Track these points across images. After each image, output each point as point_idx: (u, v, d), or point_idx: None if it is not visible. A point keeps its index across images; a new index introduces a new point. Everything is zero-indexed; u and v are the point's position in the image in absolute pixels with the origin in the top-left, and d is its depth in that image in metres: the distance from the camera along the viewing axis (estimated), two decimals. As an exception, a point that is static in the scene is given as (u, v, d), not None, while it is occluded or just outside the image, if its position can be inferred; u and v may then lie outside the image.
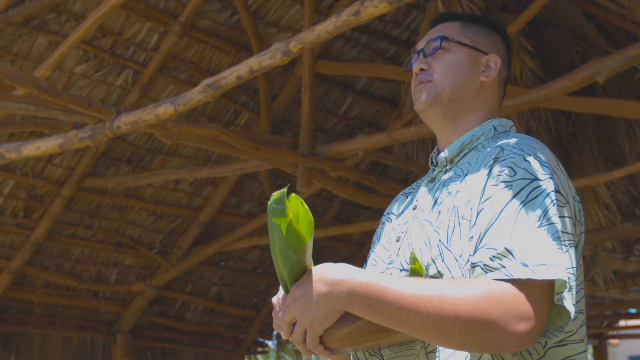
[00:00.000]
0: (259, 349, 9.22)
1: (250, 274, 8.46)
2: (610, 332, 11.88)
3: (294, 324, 1.67)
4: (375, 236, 2.10)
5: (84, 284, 7.44)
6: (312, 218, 1.63)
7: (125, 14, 5.98)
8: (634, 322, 11.55)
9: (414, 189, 2.07)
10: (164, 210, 7.36)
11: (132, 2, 5.83)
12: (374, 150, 5.66)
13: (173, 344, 8.34)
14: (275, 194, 1.60)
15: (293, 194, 1.63)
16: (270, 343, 9.17)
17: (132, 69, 6.34)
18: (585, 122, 6.50)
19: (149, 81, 6.36)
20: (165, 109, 4.19)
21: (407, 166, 6.56)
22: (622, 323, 11.46)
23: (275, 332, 9.00)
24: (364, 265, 2.02)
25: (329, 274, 1.62)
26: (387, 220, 2.04)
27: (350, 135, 7.77)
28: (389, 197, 6.23)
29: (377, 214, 8.36)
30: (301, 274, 1.66)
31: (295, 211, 1.61)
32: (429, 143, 6.52)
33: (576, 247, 1.71)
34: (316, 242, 8.22)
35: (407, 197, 2.05)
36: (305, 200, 7.41)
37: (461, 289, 1.57)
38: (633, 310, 10.75)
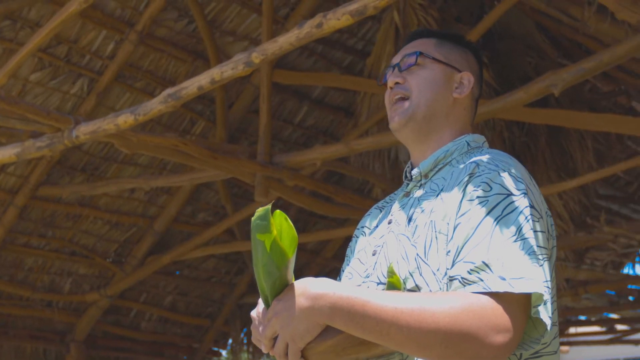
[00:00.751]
0: (214, 358, 9.18)
1: (205, 283, 8.43)
2: (561, 339, 12.03)
3: (275, 338, 1.69)
4: (349, 250, 2.13)
5: (37, 294, 7.35)
6: (295, 234, 1.64)
7: (81, 21, 5.94)
8: (583, 329, 11.71)
9: (387, 202, 2.10)
10: (119, 219, 7.31)
11: (88, 10, 5.78)
12: (331, 159, 5.69)
13: (127, 354, 8.28)
14: (260, 210, 1.61)
15: (278, 210, 1.64)
16: (224, 352, 9.12)
17: (88, 77, 6.29)
18: (539, 133, 6.59)
19: (104, 89, 6.31)
20: (125, 119, 4.17)
21: (363, 176, 6.60)
22: (572, 330, 11.61)
23: (230, 341, 8.97)
24: (339, 278, 2.04)
25: (311, 288, 1.64)
26: (362, 234, 2.07)
27: (305, 145, 7.79)
28: (346, 207, 6.30)
29: (332, 223, 8.39)
30: (282, 288, 1.67)
31: (279, 227, 1.62)
32: (385, 153, 6.57)
33: (549, 260, 1.76)
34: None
35: (380, 211, 2.08)
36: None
37: (441, 302, 1.60)
38: (583, 318, 10.91)
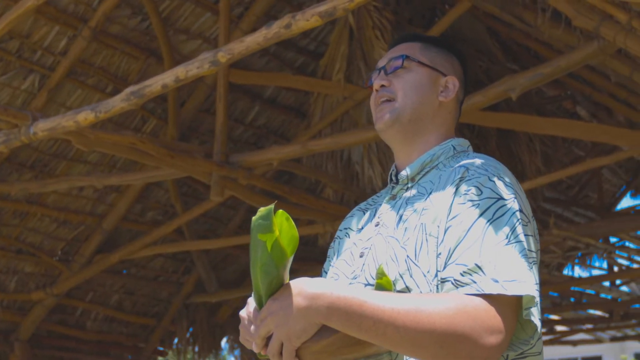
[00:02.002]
0: (159, 358, 9.12)
1: (152, 283, 8.36)
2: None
3: (268, 338, 1.69)
4: (330, 251, 2.14)
5: (-18, 292, 7.24)
6: (296, 233, 1.65)
7: (34, 16, 5.85)
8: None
9: (370, 205, 2.12)
10: (67, 217, 7.21)
11: (41, 5, 5.69)
12: (286, 160, 5.70)
13: (72, 353, 8.16)
14: (262, 210, 1.62)
15: (280, 210, 1.65)
16: (170, 352, 9.06)
17: (39, 73, 6.20)
18: (489, 136, 6.69)
19: (56, 86, 6.23)
20: (85, 116, 4.13)
21: (316, 176, 6.62)
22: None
23: (176, 341, 8.91)
24: (321, 279, 2.06)
25: (308, 288, 1.64)
26: (345, 236, 2.09)
27: (256, 144, 7.80)
28: (299, 207, 6.32)
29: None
30: (278, 288, 1.68)
31: (279, 226, 1.63)
32: (338, 154, 6.60)
33: (537, 263, 1.80)
34: (219, 250, 8.22)
35: (364, 213, 2.09)
36: (210, 209, 7.44)
37: (436, 303, 1.63)
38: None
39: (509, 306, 1.66)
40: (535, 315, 1.68)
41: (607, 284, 9.67)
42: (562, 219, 9.08)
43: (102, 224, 7.41)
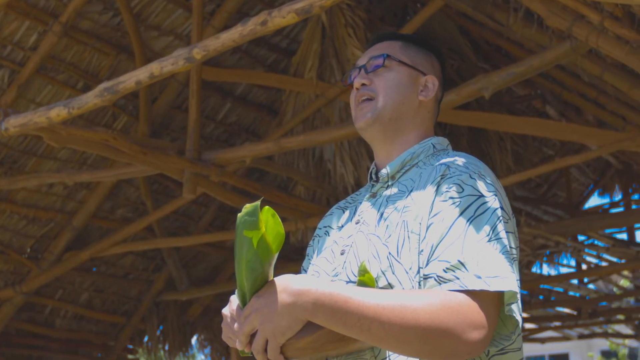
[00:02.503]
0: (130, 356, 9.07)
1: (122, 280, 8.32)
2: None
3: (252, 335, 1.69)
4: (310, 249, 2.15)
5: (-51, 290, 7.16)
6: (282, 229, 1.65)
7: (4, 11, 5.78)
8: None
9: (349, 203, 2.13)
10: (37, 214, 7.15)
11: (11, 0, 5.66)
12: (259, 157, 5.70)
13: (41, 352, 8.09)
14: (248, 207, 1.61)
15: (266, 206, 1.65)
16: (140, 351, 9.02)
17: (9, 69, 6.14)
18: (460, 134, 6.72)
19: (26, 81, 6.17)
20: (58, 112, 4.10)
21: (287, 174, 6.62)
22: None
23: (146, 339, 8.87)
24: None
25: (293, 285, 1.65)
26: (325, 234, 2.09)
27: (227, 142, 7.78)
28: (271, 204, 6.28)
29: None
30: (263, 285, 1.68)
31: (265, 223, 1.63)
32: (310, 152, 6.61)
33: (517, 260, 1.82)
34: (190, 248, 8.19)
35: (343, 211, 2.10)
36: (180, 206, 7.42)
37: (420, 299, 1.64)
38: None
39: (492, 302, 1.67)
40: (517, 311, 1.70)
41: (575, 281, 9.75)
42: (532, 217, 9.14)
43: (72, 221, 7.35)
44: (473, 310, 1.64)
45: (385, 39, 2.16)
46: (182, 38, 6.68)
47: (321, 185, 6.50)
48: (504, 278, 1.67)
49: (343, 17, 6.30)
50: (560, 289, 10.03)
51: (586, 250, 8.18)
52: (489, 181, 1.84)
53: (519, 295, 1.71)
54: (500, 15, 5.41)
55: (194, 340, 9.31)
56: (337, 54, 6.32)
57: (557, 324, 11.36)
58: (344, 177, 6.30)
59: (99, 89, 3.97)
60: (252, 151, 5.39)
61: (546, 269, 10.77)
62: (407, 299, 1.64)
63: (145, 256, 8.36)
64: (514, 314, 1.69)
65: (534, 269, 10.52)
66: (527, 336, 11.85)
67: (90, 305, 8.34)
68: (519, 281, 1.74)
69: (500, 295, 1.69)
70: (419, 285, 1.74)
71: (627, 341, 15.41)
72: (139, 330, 8.88)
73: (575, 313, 10.41)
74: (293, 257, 7.45)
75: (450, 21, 6.86)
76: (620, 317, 11.19)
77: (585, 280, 10.04)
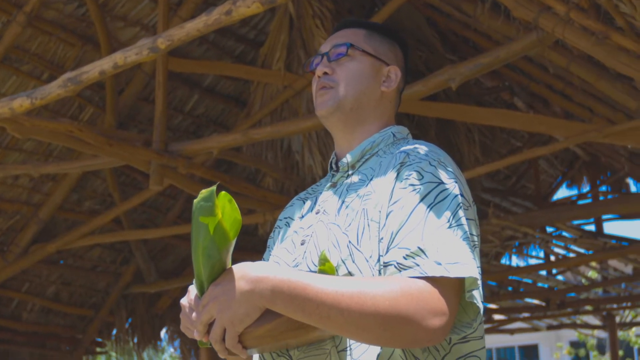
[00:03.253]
0: (98, 349, 9.02)
1: (89, 273, 8.27)
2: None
3: (210, 324, 1.67)
4: (270, 240, 2.13)
5: None
6: (239, 216, 1.63)
7: (-33, 1, 5.73)
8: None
9: (310, 194, 2.12)
10: (2, 206, 7.08)
11: (-26, -10, 5.60)
12: (227, 148, 5.67)
13: (8, 345, 8.04)
14: (204, 192, 1.59)
15: (223, 192, 1.63)
16: (108, 344, 8.97)
17: (-27, 59, 6.09)
18: (428, 125, 6.73)
19: (-10, 72, 6.11)
20: (21, 103, 4.05)
21: (256, 165, 6.59)
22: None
23: (114, 332, 8.82)
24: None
25: (251, 272, 1.63)
26: (286, 225, 2.07)
27: (195, 133, 7.74)
28: (239, 196, 6.28)
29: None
30: (220, 273, 1.66)
31: (222, 209, 1.61)
32: (278, 143, 6.58)
33: (478, 248, 1.81)
34: (158, 240, 8.14)
35: (304, 202, 2.09)
36: (148, 198, 7.37)
37: (380, 286, 1.63)
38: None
39: (452, 288, 1.66)
40: (478, 298, 1.69)
41: (544, 273, 9.81)
42: (500, 208, 9.19)
43: (38, 213, 7.29)
44: (433, 297, 1.63)
45: (349, 26, 2.14)
46: (149, 29, 6.63)
47: (289, 176, 6.48)
48: (464, 264, 1.66)
49: (311, 8, 6.28)
50: (529, 280, 10.09)
51: (554, 241, 8.22)
52: (449, 168, 1.83)
53: (479, 282, 1.70)
54: (467, 7, 5.41)
55: (163, 332, 9.28)
56: (304, 45, 6.30)
57: (526, 315, 11.43)
58: (312, 168, 6.28)
59: (62, 79, 3.92)
60: (219, 142, 5.36)
61: (515, 260, 10.81)
62: (366, 285, 1.62)
63: (113, 248, 8.31)
64: (475, 301, 1.68)
65: (502, 261, 10.57)
66: (497, 327, 11.93)
67: (58, 298, 8.28)
68: (479, 268, 1.73)
69: (460, 281, 1.68)
70: (379, 273, 1.73)
71: (596, 332, 15.54)
72: (108, 323, 8.84)
73: (544, 304, 10.48)
74: (261, 249, 7.43)
75: (417, 12, 6.86)
76: (589, 308, 11.27)
77: (554, 271, 10.11)
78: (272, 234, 2.14)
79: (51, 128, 4.73)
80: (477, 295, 1.69)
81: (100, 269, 8.38)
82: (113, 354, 9.06)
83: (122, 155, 5.19)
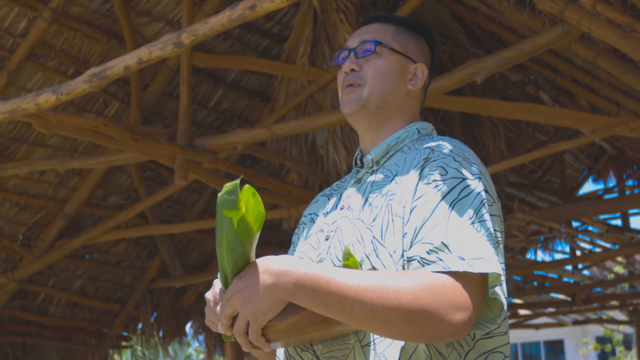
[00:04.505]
0: (123, 343, 9.07)
1: (115, 267, 8.31)
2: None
3: (234, 318, 1.67)
4: (295, 237, 2.13)
5: (-59, 278, 7.14)
6: (263, 209, 1.63)
7: (-7, -2, 5.77)
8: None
9: (334, 190, 2.12)
10: (28, 201, 7.13)
11: (0, -14, 5.63)
12: (251, 143, 5.67)
13: (34, 339, 8.10)
14: (227, 186, 1.59)
15: (246, 185, 1.63)
16: (134, 337, 9.02)
17: (-1, 55, 6.13)
18: (453, 120, 6.70)
19: (16, 68, 6.13)
20: (46, 98, 4.07)
21: (280, 160, 6.59)
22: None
23: (140, 326, 8.87)
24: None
25: (274, 266, 1.63)
26: (310, 221, 2.07)
27: (220, 128, 7.76)
28: (264, 191, 6.29)
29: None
30: (244, 266, 1.66)
31: (246, 202, 1.61)
32: (303, 138, 6.58)
33: (502, 243, 1.80)
34: (183, 235, 8.17)
35: (328, 199, 2.09)
36: (173, 193, 7.39)
37: (403, 280, 1.62)
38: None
39: (475, 283, 1.66)
40: (501, 294, 1.68)
41: (569, 267, 9.76)
42: (525, 203, 9.14)
43: (64, 208, 7.33)
44: (456, 292, 1.62)
45: (377, 20, 2.12)
46: (173, 24, 6.65)
47: (314, 171, 6.48)
48: (488, 260, 1.65)
49: (335, 2, 6.27)
50: (554, 275, 10.04)
51: (580, 236, 8.18)
52: (473, 164, 1.82)
53: (503, 278, 1.69)
54: (492, 0, 5.38)
55: (188, 327, 9.31)
56: (329, 39, 6.29)
57: (552, 310, 11.37)
58: (336, 163, 6.28)
59: (87, 75, 3.94)
60: (243, 137, 5.36)
61: (540, 255, 10.77)
62: (389, 280, 1.62)
63: (139, 243, 8.35)
64: (499, 297, 1.67)
65: (528, 255, 10.54)
66: (522, 322, 11.88)
67: (84, 292, 8.34)
68: (503, 264, 1.72)
69: (484, 277, 1.67)
70: (403, 268, 1.73)
71: (622, 327, 15.43)
72: (133, 318, 8.88)
73: (569, 299, 10.42)
74: (286, 244, 7.43)
75: (442, 6, 6.83)
76: (615, 303, 11.20)
77: (580, 266, 10.05)
78: (296, 230, 2.14)
79: (77, 123, 4.76)
80: (501, 291, 1.68)
81: (125, 264, 8.42)
82: (139, 348, 9.09)
83: (147, 150, 5.20)
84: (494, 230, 1.74)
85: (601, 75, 5.50)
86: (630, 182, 10.02)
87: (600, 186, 10.45)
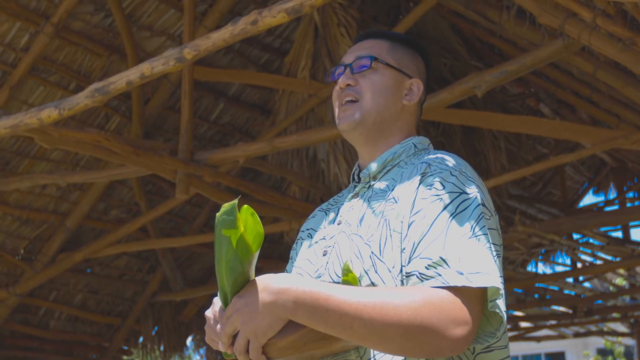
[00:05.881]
0: (124, 357, 9.06)
1: (116, 281, 8.31)
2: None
3: (234, 336, 1.68)
4: (293, 252, 2.13)
5: (-56, 292, 7.14)
6: (261, 229, 1.63)
7: (-5, 12, 5.79)
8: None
9: (332, 205, 2.12)
10: (30, 215, 7.13)
11: (2, 1, 5.65)
12: (252, 157, 5.68)
13: (36, 353, 8.09)
14: (226, 206, 1.60)
15: (245, 205, 1.64)
16: (135, 352, 9.01)
17: (1, 70, 6.14)
18: (454, 133, 6.71)
19: (18, 82, 6.15)
20: (49, 113, 4.08)
21: (281, 174, 6.60)
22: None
23: (141, 340, 8.86)
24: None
25: (273, 284, 1.63)
26: (308, 237, 2.08)
27: (221, 142, 7.77)
28: (265, 204, 6.29)
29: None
30: (243, 285, 1.66)
31: (244, 222, 1.62)
32: (304, 151, 6.59)
33: (500, 257, 1.81)
34: (184, 248, 8.17)
35: (326, 214, 2.10)
36: (174, 207, 7.40)
37: (402, 296, 1.63)
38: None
39: (475, 298, 1.66)
40: (501, 307, 1.68)
41: (570, 280, 9.75)
42: (526, 215, 9.15)
43: (66, 222, 7.34)
44: (456, 307, 1.63)
45: (372, 36, 2.14)
46: (175, 38, 6.67)
47: (315, 185, 6.49)
48: (487, 274, 1.66)
49: (335, 16, 6.29)
50: (555, 288, 10.03)
51: (581, 248, 8.17)
52: (470, 178, 1.83)
53: (502, 292, 1.70)
54: (492, 14, 5.40)
55: (189, 340, 9.30)
56: (329, 53, 6.30)
57: (553, 322, 11.36)
58: (337, 177, 6.28)
59: (89, 90, 3.95)
60: (245, 151, 5.37)
61: (541, 268, 10.77)
62: (388, 296, 1.63)
63: (140, 257, 8.35)
64: (498, 310, 1.67)
65: (529, 268, 10.52)
66: (523, 335, 11.85)
67: (85, 306, 8.33)
68: (502, 277, 1.73)
69: (483, 291, 1.68)
70: (402, 283, 1.73)
71: (623, 339, 15.42)
72: (134, 331, 8.87)
73: (570, 311, 10.41)
74: (287, 258, 7.42)
75: (442, 20, 6.85)
76: (616, 315, 11.19)
77: (581, 278, 10.05)
78: (294, 246, 2.15)
79: (79, 138, 4.77)
80: (500, 304, 1.68)
81: (127, 277, 8.42)
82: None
83: (148, 164, 5.21)
84: (493, 243, 1.74)
85: (602, 87, 5.51)
86: (630, 194, 10.01)
87: (601, 198, 10.45)
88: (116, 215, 7.76)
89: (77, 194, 7.28)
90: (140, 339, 8.90)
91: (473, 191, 1.79)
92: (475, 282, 1.64)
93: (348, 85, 2.04)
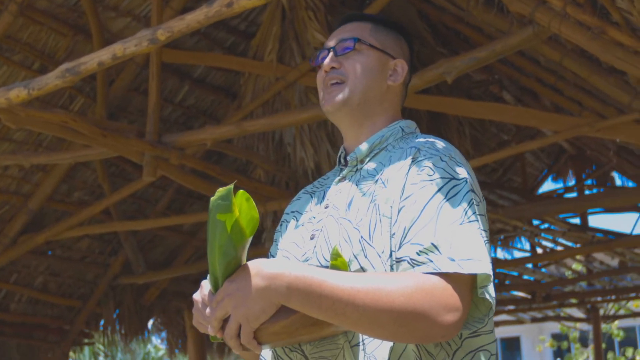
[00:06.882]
0: (85, 340, 8.99)
1: (78, 264, 8.23)
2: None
3: (225, 320, 1.67)
4: (277, 234, 2.13)
5: None
6: (256, 214, 1.63)
7: (-42, -10, 5.69)
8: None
9: (317, 187, 2.12)
10: (-9, 196, 7.05)
11: (-34, -21, 5.56)
12: (220, 140, 5.66)
13: (-5, 336, 8.03)
14: (221, 190, 1.60)
15: (240, 190, 1.63)
16: (96, 335, 8.94)
17: (-37, 49, 6.05)
18: (420, 119, 6.73)
19: (-20, 62, 6.07)
20: (17, 93, 4.03)
21: (247, 157, 6.59)
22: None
23: (102, 323, 8.80)
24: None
25: (266, 268, 1.63)
26: (293, 219, 2.07)
27: (185, 124, 7.73)
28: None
29: (208, 204, 8.33)
30: (235, 269, 1.66)
31: (239, 207, 1.61)
32: (270, 135, 6.58)
33: (489, 243, 1.82)
34: (147, 231, 8.10)
35: (311, 196, 2.09)
36: (138, 189, 7.34)
37: (395, 282, 1.64)
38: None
39: (465, 284, 1.68)
40: (490, 294, 1.70)
41: (529, 265, 9.87)
42: (488, 202, 9.21)
43: (28, 203, 7.25)
44: (447, 293, 1.64)
45: (354, 19, 2.14)
46: (140, 19, 6.60)
47: (281, 168, 6.48)
48: (478, 260, 1.68)
49: (304, 0, 6.27)
50: (514, 273, 10.14)
51: (543, 234, 8.27)
52: (460, 164, 1.84)
53: (492, 278, 1.72)
54: (460, 0, 5.42)
55: (150, 324, 9.26)
56: (297, 36, 6.29)
57: (511, 307, 11.49)
58: (303, 161, 6.29)
59: (60, 70, 3.91)
60: (213, 134, 5.35)
61: (500, 253, 10.88)
62: (381, 282, 1.63)
63: (102, 239, 8.29)
64: (488, 296, 1.70)
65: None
66: (481, 320, 11.94)
67: (46, 289, 8.25)
68: (491, 263, 1.75)
69: (473, 277, 1.70)
70: (392, 268, 1.74)
71: (578, 324, 15.64)
72: (95, 314, 8.81)
73: (529, 297, 10.53)
74: (252, 241, 7.41)
75: (409, 5, 6.86)
76: (573, 300, 11.34)
77: (540, 264, 10.17)
78: (278, 227, 2.14)
79: (46, 118, 4.72)
80: (490, 291, 1.71)
81: (88, 260, 8.35)
82: (100, 345, 9.02)
83: (115, 146, 5.17)
84: (482, 229, 1.76)
85: (567, 76, 5.57)
86: (589, 182, 10.14)
87: (560, 185, 10.58)
88: (79, 197, 7.68)
89: (39, 175, 7.20)
90: (102, 322, 8.85)
91: (463, 177, 1.80)
92: (467, 269, 1.66)
93: (333, 68, 2.05)
